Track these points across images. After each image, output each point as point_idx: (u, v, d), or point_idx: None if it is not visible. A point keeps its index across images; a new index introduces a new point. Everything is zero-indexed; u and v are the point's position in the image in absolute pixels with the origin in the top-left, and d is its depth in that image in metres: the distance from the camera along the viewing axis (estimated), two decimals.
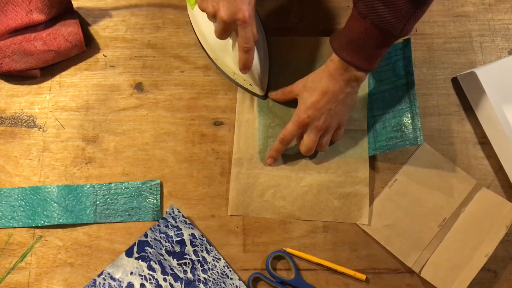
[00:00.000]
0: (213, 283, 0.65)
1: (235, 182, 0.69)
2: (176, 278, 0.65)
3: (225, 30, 0.60)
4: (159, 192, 0.69)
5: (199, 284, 0.65)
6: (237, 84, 0.72)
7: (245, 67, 0.64)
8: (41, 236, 0.67)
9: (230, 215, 0.68)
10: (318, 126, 0.66)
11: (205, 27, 0.70)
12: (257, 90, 0.71)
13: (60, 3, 0.71)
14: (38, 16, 0.69)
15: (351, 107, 0.68)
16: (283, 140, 0.68)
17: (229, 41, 0.67)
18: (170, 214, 0.67)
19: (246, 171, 0.69)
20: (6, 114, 0.72)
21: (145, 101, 0.73)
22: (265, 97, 0.72)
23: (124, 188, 0.69)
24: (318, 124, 0.65)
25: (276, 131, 0.71)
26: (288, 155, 0.70)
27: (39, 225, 0.67)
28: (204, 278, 0.65)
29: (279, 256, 0.67)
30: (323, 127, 0.66)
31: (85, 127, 0.72)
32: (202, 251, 0.66)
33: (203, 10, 0.60)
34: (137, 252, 0.65)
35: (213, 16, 0.60)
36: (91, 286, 0.64)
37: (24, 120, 0.72)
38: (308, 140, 0.67)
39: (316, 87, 0.65)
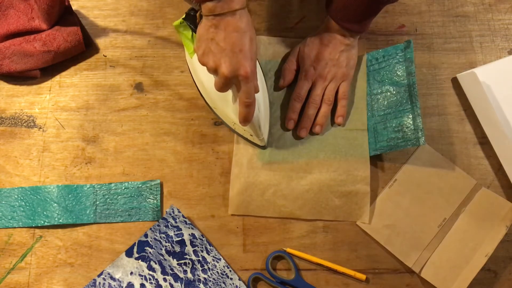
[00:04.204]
0: (213, 283, 0.65)
1: (236, 181, 0.69)
2: (176, 278, 0.65)
3: (226, 84, 0.58)
4: (159, 192, 0.69)
5: (199, 284, 0.65)
6: (237, 134, 0.70)
7: (245, 120, 0.61)
8: (41, 236, 0.67)
9: (231, 214, 0.68)
10: (324, 75, 0.69)
11: (204, 76, 0.68)
12: (257, 140, 0.68)
13: (59, 12, 0.71)
14: (39, 23, 0.69)
15: (353, 60, 0.71)
16: (297, 97, 0.70)
17: (229, 92, 0.64)
18: (170, 214, 0.67)
19: (247, 170, 0.69)
20: (6, 114, 0.72)
21: (145, 101, 0.73)
22: (265, 147, 0.70)
23: (124, 188, 0.69)
24: (323, 73, 0.69)
25: (276, 131, 0.71)
26: (288, 154, 0.70)
27: (39, 225, 0.67)
28: (204, 278, 0.65)
29: (279, 256, 0.67)
30: (328, 76, 0.70)
31: (85, 127, 0.72)
32: (202, 251, 0.66)
33: (203, 65, 0.58)
34: (137, 252, 0.65)
35: (214, 71, 0.58)
36: (91, 286, 0.64)
37: (24, 120, 0.72)
38: (315, 91, 0.70)
39: (316, 42, 0.70)
